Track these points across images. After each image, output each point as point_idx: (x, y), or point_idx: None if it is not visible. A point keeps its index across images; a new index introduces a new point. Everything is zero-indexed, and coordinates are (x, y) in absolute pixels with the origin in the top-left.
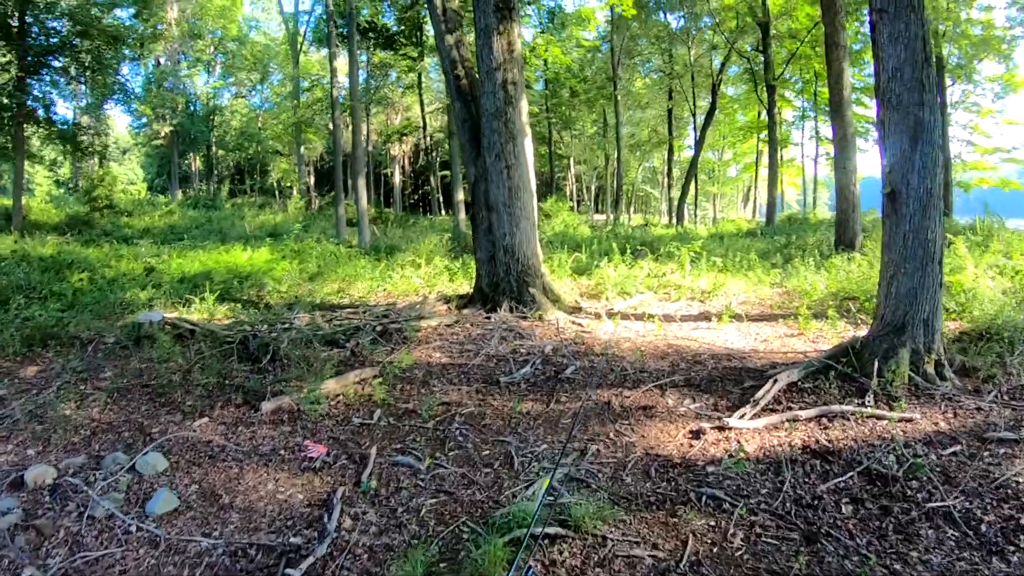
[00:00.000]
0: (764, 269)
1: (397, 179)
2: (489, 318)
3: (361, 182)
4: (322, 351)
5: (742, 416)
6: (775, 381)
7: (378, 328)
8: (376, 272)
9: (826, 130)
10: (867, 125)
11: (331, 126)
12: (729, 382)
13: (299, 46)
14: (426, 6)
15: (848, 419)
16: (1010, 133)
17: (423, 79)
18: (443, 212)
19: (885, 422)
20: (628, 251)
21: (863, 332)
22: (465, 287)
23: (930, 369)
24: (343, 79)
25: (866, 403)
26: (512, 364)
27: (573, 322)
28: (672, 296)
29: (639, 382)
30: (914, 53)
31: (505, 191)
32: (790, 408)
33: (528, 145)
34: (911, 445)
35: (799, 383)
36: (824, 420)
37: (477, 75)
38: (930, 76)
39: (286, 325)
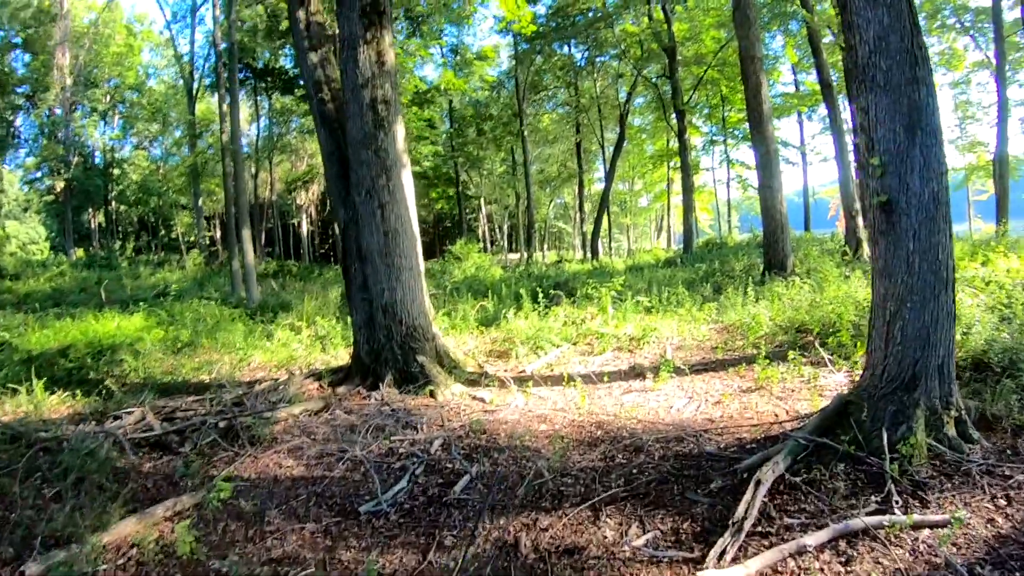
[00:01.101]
0: (695, 303)
1: (304, 228)
2: (368, 398)
3: (246, 234)
4: (146, 462)
5: (722, 555)
6: (757, 484)
7: (222, 424)
8: (251, 339)
9: (736, 154)
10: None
11: (228, 175)
12: (688, 483)
13: (195, 92)
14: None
15: (877, 539)
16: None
17: None
18: None
19: (928, 533)
20: (541, 294)
21: (837, 376)
22: (345, 356)
23: (952, 431)
24: (246, 127)
25: (891, 502)
26: (384, 475)
27: (473, 397)
28: (595, 348)
29: (561, 497)
30: (900, 16)
31: (379, 236)
32: (788, 529)
33: (407, 179)
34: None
35: (788, 476)
36: (844, 546)
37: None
38: (922, 46)
39: (106, 425)
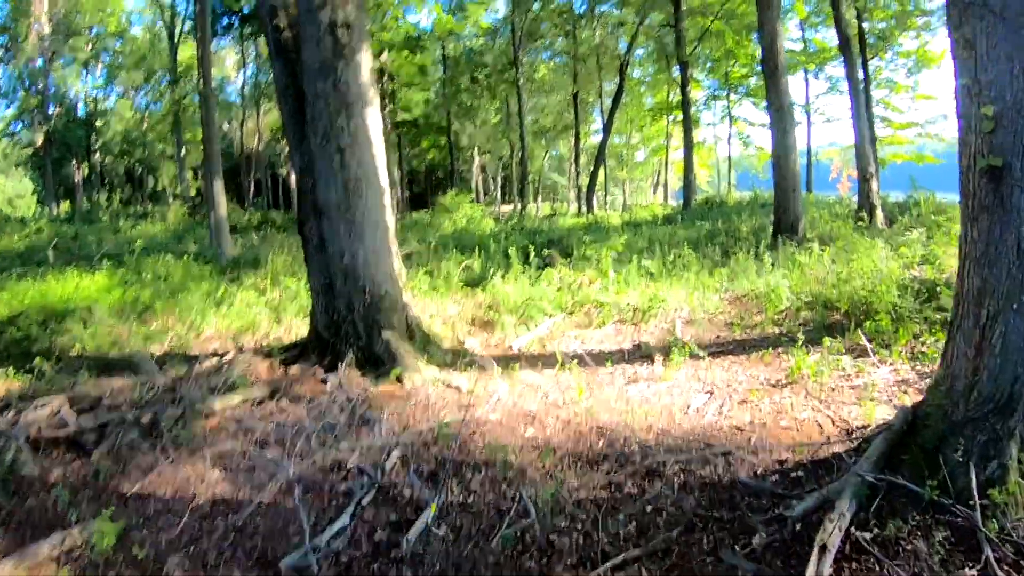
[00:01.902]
0: (703, 268)
1: (293, 179)
2: (324, 382)
3: (218, 185)
4: (55, 468)
5: None
6: (822, 550)
7: (145, 419)
8: (211, 301)
9: (739, 110)
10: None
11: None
12: (722, 533)
13: (176, 37)
14: None
15: None
16: (925, 108)
17: None
18: None
19: None
20: (533, 254)
21: (882, 372)
22: (306, 326)
23: None
24: (234, 75)
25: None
26: (324, 502)
27: (448, 385)
28: (593, 319)
29: (551, 553)
30: None
31: (338, 187)
32: None
33: (374, 119)
34: None
35: (855, 532)
36: None
37: None
38: None
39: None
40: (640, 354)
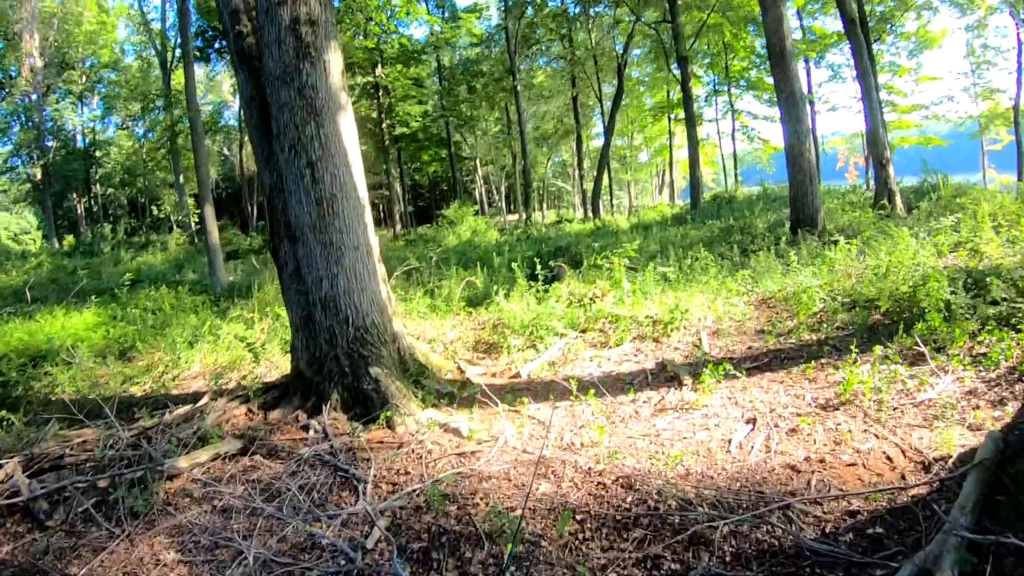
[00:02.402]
0: (723, 270)
1: None
2: (306, 428)
3: (208, 211)
4: (4, 544)
5: None
6: None
7: (101, 483)
8: (199, 334)
9: (741, 104)
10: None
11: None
12: None
13: (169, 64)
14: None
15: None
16: (930, 89)
17: None
18: None
19: None
20: (540, 266)
21: (946, 383)
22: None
23: None
24: (231, 99)
25: None
26: None
27: (446, 428)
28: (609, 337)
29: None
30: None
31: (310, 205)
32: None
33: (347, 127)
34: None
35: None
36: None
37: None
38: None
39: None
40: (665, 376)
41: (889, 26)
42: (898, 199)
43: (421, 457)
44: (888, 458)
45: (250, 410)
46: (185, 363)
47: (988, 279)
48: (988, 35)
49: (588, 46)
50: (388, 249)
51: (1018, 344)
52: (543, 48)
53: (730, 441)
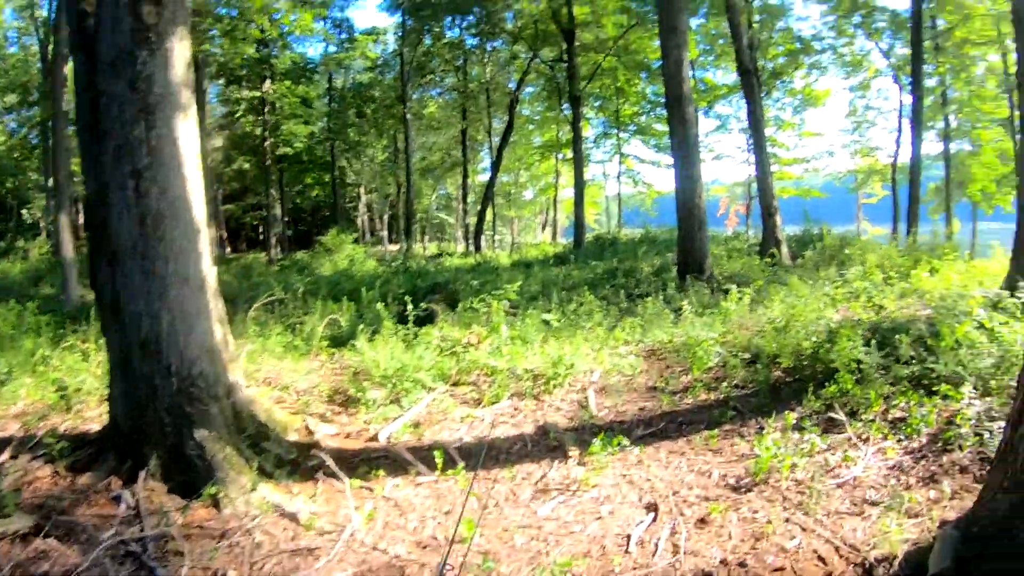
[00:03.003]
0: (608, 314)
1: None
2: (117, 501)
3: (63, 220)
4: None
5: None
6: None
7: None
8: (30, 362)
9: (628, 148)
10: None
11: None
12: None
13: (51, 57)
14: None
15: None
16: (812, 144)
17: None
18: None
19: None
20: (411, 304)
21: (868, 456)
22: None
23: None
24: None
25: None
26: None
27: (283, 513)
28: (484, 392)
29: None
30: None
31: (132, 224)
32: None
33: (187, 132)
34: None
35: None
36: None
37: None
38: None
39: None
40: (548, 444)
41: (779, 82)
42: (783, 249)
43: (246, 553)
44: (820, 558)
45: (57, 471)
46: (10, 398)
47: (898, 336)
48: (871, 96)
49: (482, 79)
50: (261, 275)
51: (937, 409)
52: (437, 79)
53: (629, 537)
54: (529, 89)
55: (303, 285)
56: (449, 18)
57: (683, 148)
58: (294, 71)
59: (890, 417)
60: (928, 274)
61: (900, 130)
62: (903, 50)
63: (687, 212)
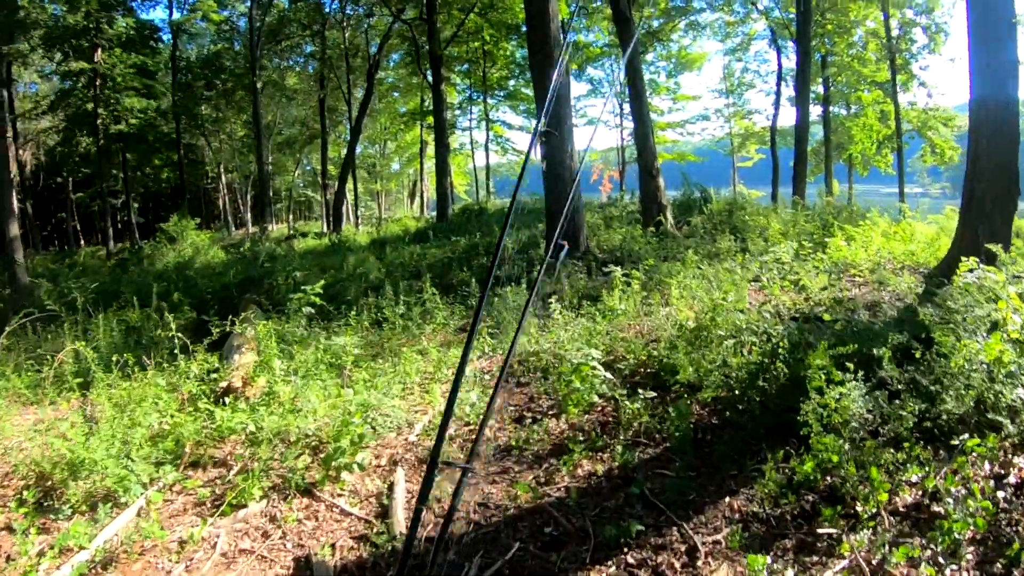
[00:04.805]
0: (452, 314)
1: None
2: None
3: None
4: None
5: None
6: None
7: None
8: None
9: (496, 114)
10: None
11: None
12: None
13: None
14: None
15: None
16: (687, 108)
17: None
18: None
19: None
20: (213, 308)
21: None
22: None
23: None
24: None
25: None
26: None
27: None
28: (227, 489)
29: None
30: None
31: None
32: None
33: None
34: None
35: None
36: None
37: None
38: None
39: None
40: None
41: (656, 42)
42: (668, 216)
43: None
44: None
45: None
46: None
47: (876, 351)
48: (749, 59)
49: (342, 45)
50: (93, 274)
51: (979, 485)
52: (295, 46)
53: None
54: (395, 56)
55: (83, 295)
56: None
57: (551, 99)
58: (129, 39)
59: (901, 506)
60: (845, 243)
61: (779, 92)
62: (781, 13)
63: (555, 176)
